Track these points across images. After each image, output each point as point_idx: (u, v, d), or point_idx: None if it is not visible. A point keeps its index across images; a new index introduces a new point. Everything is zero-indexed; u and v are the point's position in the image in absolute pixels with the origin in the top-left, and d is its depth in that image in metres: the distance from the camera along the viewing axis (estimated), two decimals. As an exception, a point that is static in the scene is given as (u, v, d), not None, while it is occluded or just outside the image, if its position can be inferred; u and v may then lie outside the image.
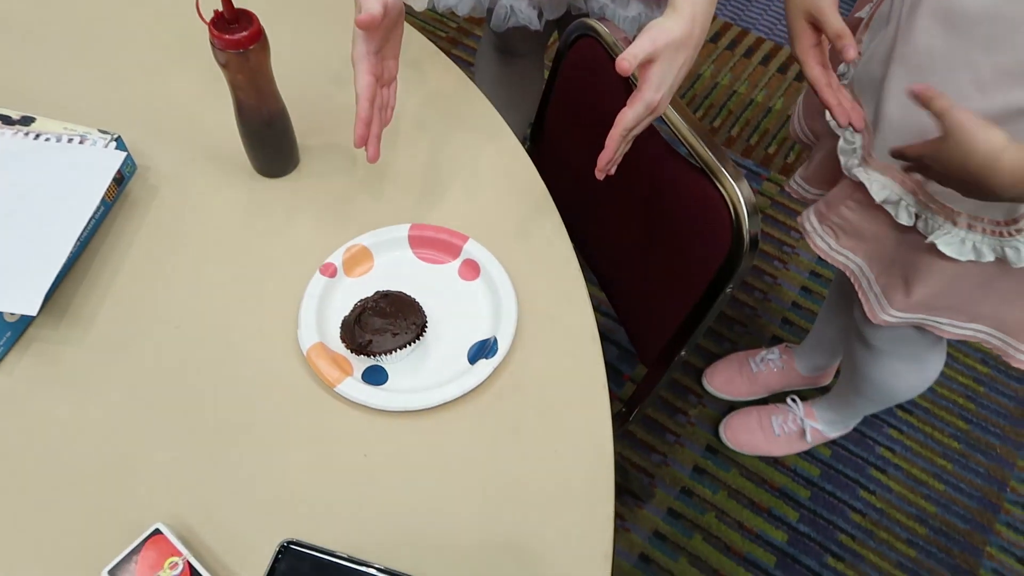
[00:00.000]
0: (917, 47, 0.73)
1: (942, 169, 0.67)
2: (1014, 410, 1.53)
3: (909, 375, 1.10)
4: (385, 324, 0.68)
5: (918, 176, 0.77)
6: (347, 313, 0.70)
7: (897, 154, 0.72)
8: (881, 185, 0.80)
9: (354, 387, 0.67)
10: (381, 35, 0.68)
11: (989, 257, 0.76)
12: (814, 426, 1.40)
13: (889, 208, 0.81)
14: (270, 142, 0.81)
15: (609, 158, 0.69)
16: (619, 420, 0.96)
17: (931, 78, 0.72)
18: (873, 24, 0.84)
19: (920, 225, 0.80)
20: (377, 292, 0.71)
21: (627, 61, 0.61)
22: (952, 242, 0.77)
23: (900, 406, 1.53)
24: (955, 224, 0.76)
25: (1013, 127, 0.67)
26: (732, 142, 1.91)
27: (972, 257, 0.77)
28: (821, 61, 0.81)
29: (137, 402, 0.67)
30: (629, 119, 0.65)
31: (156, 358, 0.70)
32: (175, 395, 0.68)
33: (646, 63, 0.64)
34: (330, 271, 0.74)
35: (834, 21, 0.81)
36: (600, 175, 0.71)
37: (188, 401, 0.67)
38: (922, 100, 0.65)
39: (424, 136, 0.87)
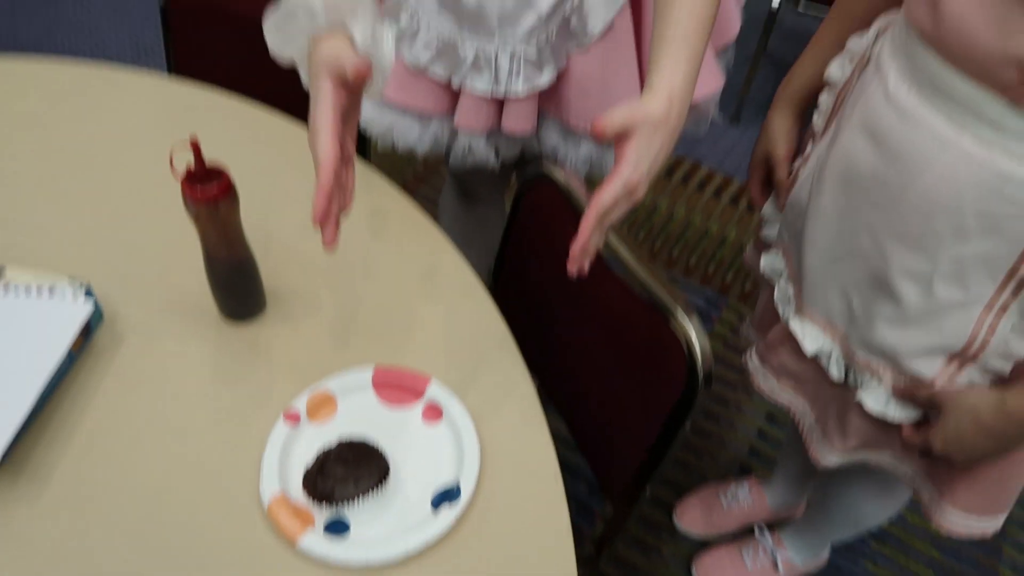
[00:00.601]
0: (825, 205, 0.78)
1: (962, 442, 0.72)
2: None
3: (878, 498, 1.10)
4: (347, 472, 0.68)
5: (843, 331, 0.81)
6: (309, 462, 0.70)
7: (923, 447, 0.77)
8: (813, 338, 0.84)
9: (316, 542, 0.66)
10: (350, 99, 0.65)
11: (912, 418, 0.79)
12: (785, 556, 1.38)
13: (822, 359, 0.84)
14: (237, 288, 0.82)
15: (582, 244, 0.63)
16: (589, 563, 0.95)
17: (837, 237, 0.77)
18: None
19: (850, 378, 0.83)
20: (340, 440, 0.71)
21: (603, 122, 0.60)
22: (878, 398, 0.79)
23: (873, 535, 1.51)
24: (880, 382, 0.79)
25: (912, 288, 0.71)
26: (691, 272, 1.98)
27: (893, 417, 0.79)
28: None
29: (90, 563, 0.65)
30: (606, 199, 0.62)
31: (112, 515, 0.68)
32: (130, 555, 0.65)
33: (622, 139, 0.62)
34: (293, 418, 0.74)
35: (779, 173, 0.89)
36: (572, 268, 0.65)
37: (144, 561, 0.65)
38: (914, 397, 0.74)
39: (388, 277, 0.90)
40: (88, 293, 0.80)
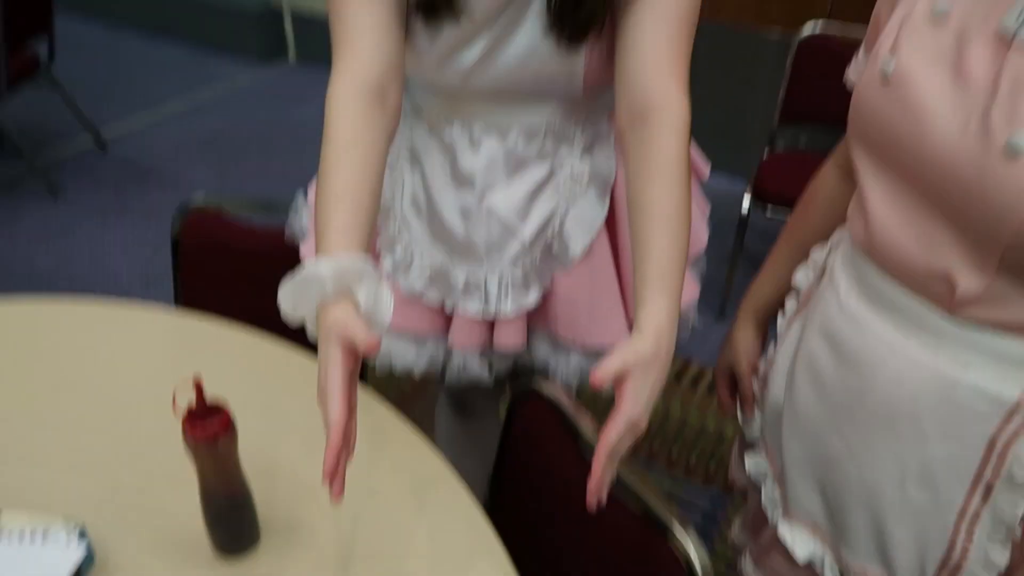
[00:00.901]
0: (798, 408, 0.80)
1: None
2: None
3: None
4: None
5: (831, 536, 0.80)
6: None
7: None
8: (803, 543, 0.82)
9: None
10: (356, 363, 0.70)
11: None
12: None
13: (815, 566, 0.82)
14: (231, 522, 0.82)
15: (597, 481, 0.68)
16: None
17: (811, 439, 0.79)
18: None
19: None
20: None
21: (600, 373, 0.65)
22: None
23: None
24: None
25: (887, 489, 0.71)
26: (691, 472, 1.95)
27: None
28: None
29: None
30: (612, 437, 0.67)
31: None
32: None
33: (619, 381, 0.67)
34: (285, 662, 0.71)
35: (742, 387, 0.92)
36: (592, 501, 0.69)
37: None
38: None
39: (383, 501, 0.89)
40: (82, 534, 0.79)
